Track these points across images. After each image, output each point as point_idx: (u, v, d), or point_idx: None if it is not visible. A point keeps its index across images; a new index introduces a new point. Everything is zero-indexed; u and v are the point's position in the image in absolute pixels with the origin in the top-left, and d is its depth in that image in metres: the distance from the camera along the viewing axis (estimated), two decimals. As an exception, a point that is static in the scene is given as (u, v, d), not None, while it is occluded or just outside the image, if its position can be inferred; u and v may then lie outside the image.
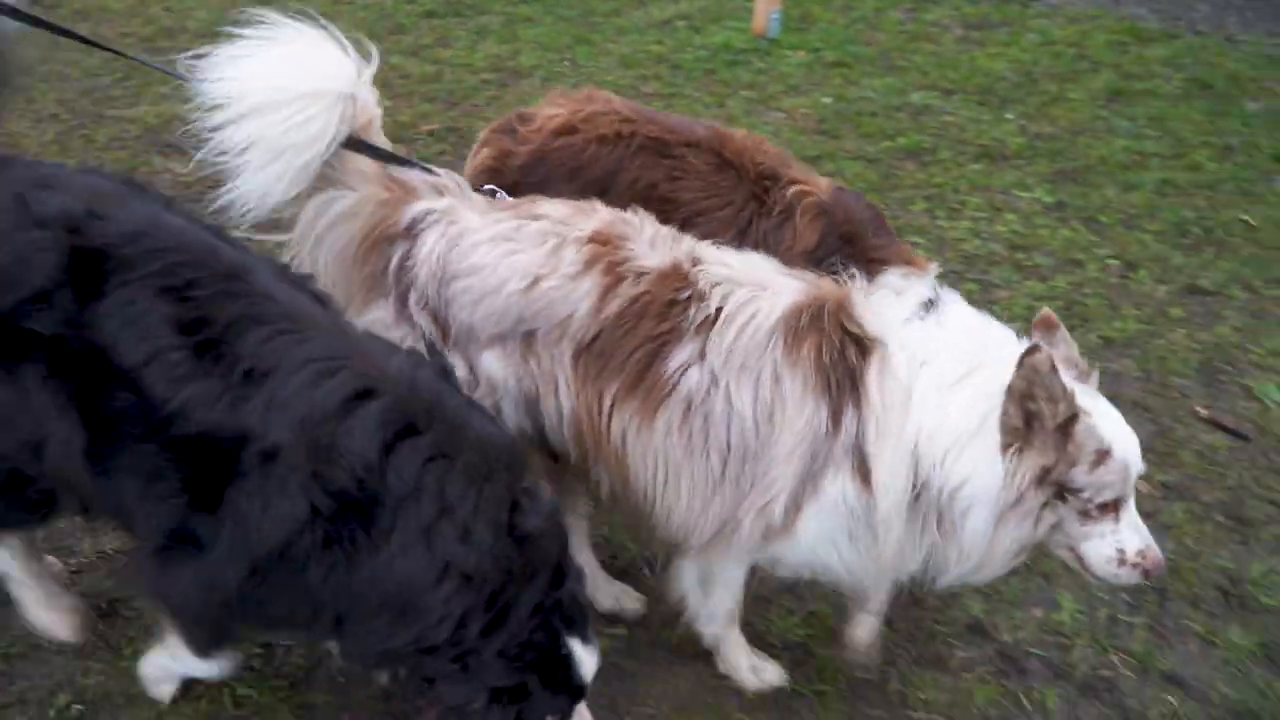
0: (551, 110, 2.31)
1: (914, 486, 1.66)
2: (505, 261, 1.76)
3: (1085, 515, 1.65)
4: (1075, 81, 5.04)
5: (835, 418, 1.67)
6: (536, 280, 1.74)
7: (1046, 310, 1.81)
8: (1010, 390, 1.58)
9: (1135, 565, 1.67)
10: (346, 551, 1.45)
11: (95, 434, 1.51)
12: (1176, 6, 6.14)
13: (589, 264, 1.74)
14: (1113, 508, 1.65)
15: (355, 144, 1.91)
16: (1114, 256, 3.59)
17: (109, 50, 2.54)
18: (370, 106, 1.93)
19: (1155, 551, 1.68)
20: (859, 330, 1.70)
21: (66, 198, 1.55)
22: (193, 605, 1.58)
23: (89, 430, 1.51)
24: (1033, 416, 1.58)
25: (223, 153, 1.81)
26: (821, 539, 1.74)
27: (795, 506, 1.71)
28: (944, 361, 1.69)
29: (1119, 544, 1.66)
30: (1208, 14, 6.14)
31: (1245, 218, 3.87)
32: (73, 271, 1.48)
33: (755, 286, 1.74)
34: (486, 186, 2.07)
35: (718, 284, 1.72)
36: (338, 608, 1.51)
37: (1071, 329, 1.93)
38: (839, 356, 1.67)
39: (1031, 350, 1.57)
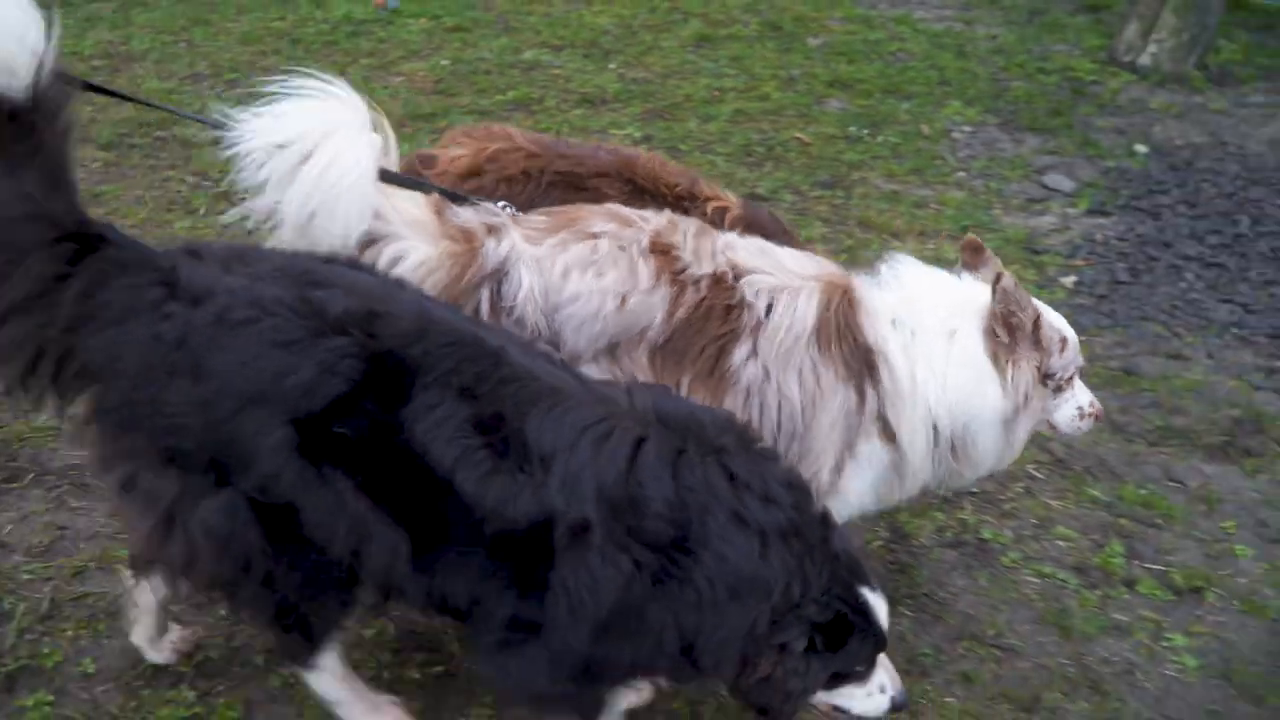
0: (454, 152, 2.29)
1: (934, 436, 2.00)
2: (597, 286, 1.92)
3: (1059, 391, 2.05)
4: (669, 31, 5.66)
5: (860, 396, 1.97)
6: (624, 299, 1.93)
7: (971, 235, 2.20)
8: (994, 316, 1.94)
9: (1090, 415, 2.08)
10: (678, 579, 1.52)
11: (418, 538, 1.54)
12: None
13: (658, 276, 1.94)
14: (1071, 379, 2.07)
15: (395, 178, 1.97)
16: (690, 176, 4.19)
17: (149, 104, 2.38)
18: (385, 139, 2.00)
19: (1098, 403, 2.11)
20: (863, 325, 2.00)
21: (348, 299, 1.55)
22: (547, 683, 1.62)
23: (411, 535, 1.54)
24: (1014, 329, 1.94)
25: (264, 202, 1.85)
26: (862, 492, 2.04)
27: (838, 470, 2.00)
28: (927, 326, 2.00)
29: (1078, 404, 2.08)
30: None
31: (800, 135, 4.60)
32: (375, 377, 1.49)
33: (789, 289, 1.99)
34: (501, 203, 2.09)
35: (759, 289, 1.98)
36: (685, 629, 1.55)
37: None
38: (854, 348, 1.98)
39: (998, 278, 1.94)
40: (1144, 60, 5.42)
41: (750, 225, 2.25)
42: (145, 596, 1.83)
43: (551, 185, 2.24)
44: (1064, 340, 2.02)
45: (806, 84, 5.18)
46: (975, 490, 2.52)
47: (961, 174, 4.34)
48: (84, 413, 1.51)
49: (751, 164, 4.32)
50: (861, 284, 2.05)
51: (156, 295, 1.47)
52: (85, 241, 1.46)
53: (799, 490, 1.62)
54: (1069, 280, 3.51)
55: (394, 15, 5.54)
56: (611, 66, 5.18)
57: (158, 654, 1.91)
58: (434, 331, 1.55)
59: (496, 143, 2.29)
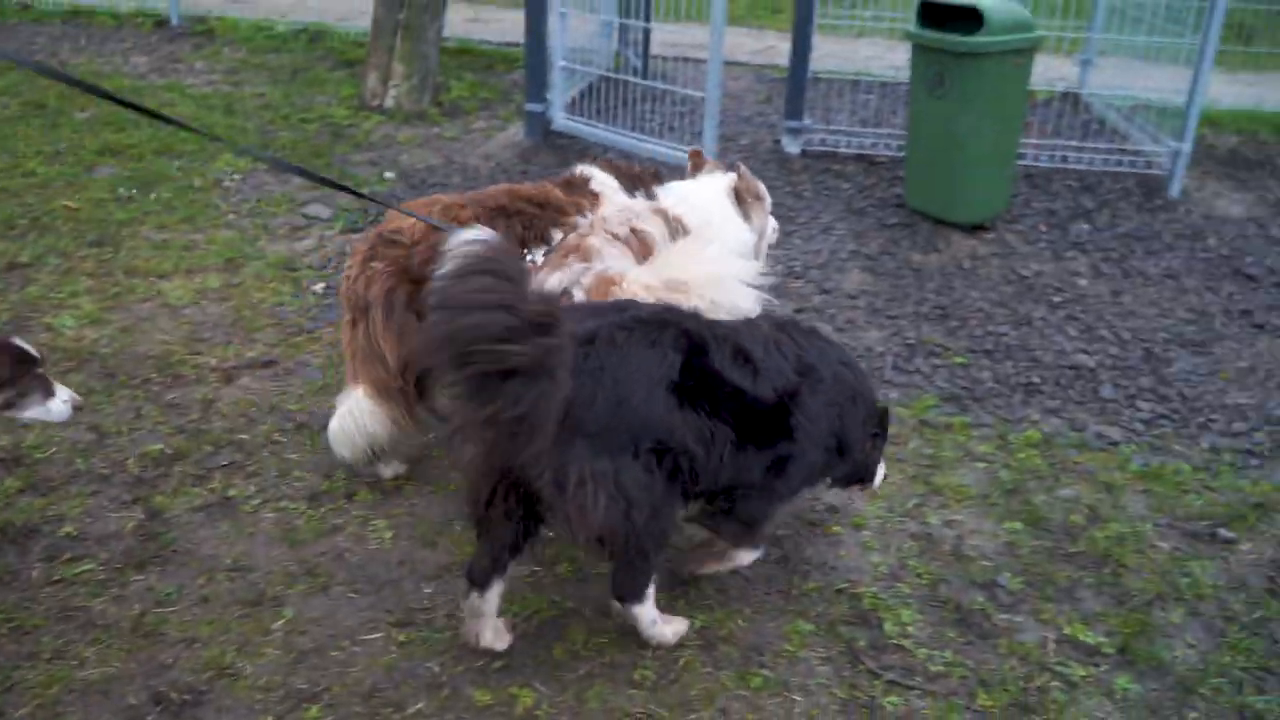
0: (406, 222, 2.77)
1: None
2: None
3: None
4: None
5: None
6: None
7: (694, 149, 3.26)
8: (737, 193, 2.95)
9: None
10: (838, 401, 2.43)
11: (731, 436, 2.22)
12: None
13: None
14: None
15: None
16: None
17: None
18: None
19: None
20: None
21: (648, 309, 2.28)
22: (765, 513, 2.45)
23: (732, 433, 2.23)
24: (744, 198, 2.93)
25: None
26: None
27: None
28: (699, 203, 2.90)
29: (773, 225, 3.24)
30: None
31: (68, 203, 4.73)
32: (690, 347, 2.20)
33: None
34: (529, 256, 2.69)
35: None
36: (846, 429, 2.46)
37: None
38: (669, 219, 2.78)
39: (732, 167, 3.03)
40: (389, 103, 6.36)
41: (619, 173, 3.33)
42: (489, 604, 2.29)
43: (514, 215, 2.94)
44: (762, 194, 3.07)
45: (75, 155, 5.30)
46: (226, 463, 2.99)
47: (232, 216, 4.81)
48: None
49: (15, 236, 4.39)
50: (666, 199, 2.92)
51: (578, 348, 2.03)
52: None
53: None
54: (318, 287, 4.14)
55: None
56: None
57: (503, 642, 2.37)
58: (695, 317, 2.30)
59: (439, 203, 2.87)
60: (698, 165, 3.19)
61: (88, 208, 4.74)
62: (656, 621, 2.39)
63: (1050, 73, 7.51)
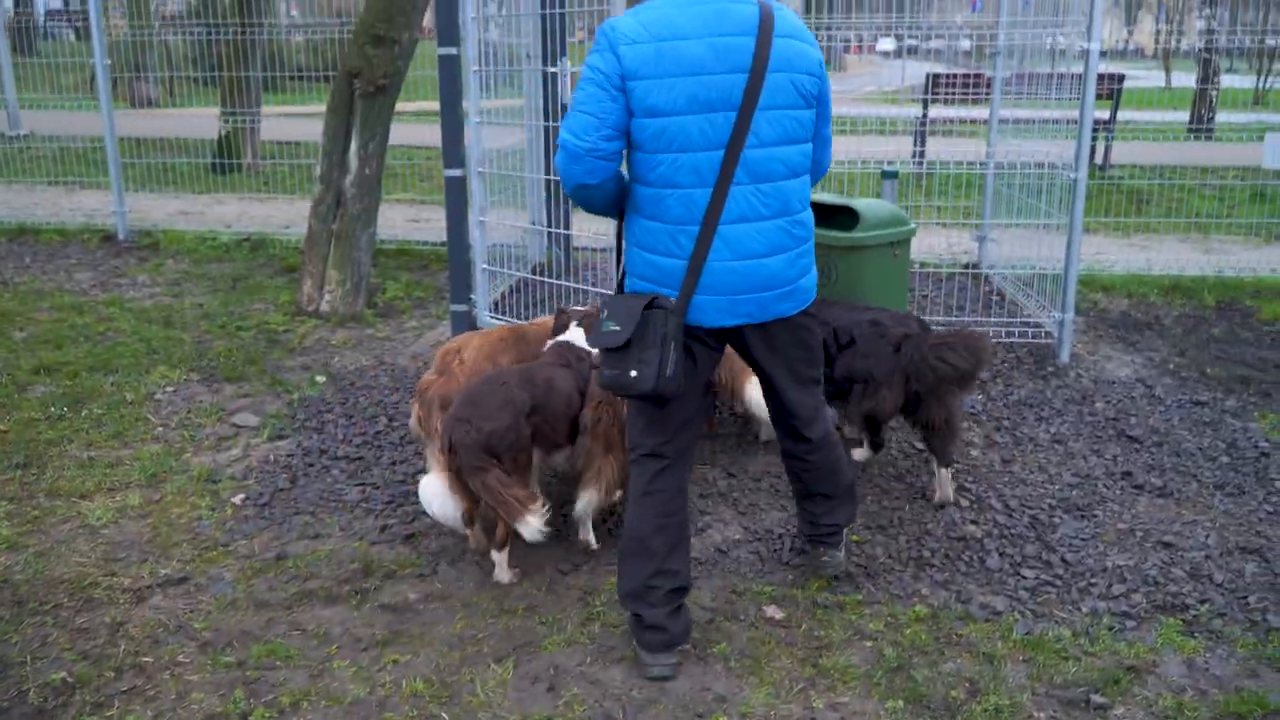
0: (467, 351, 4.10)
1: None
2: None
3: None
4: None
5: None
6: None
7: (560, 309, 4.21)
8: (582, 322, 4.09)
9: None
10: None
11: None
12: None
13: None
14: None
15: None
16: None
17: None
18: None
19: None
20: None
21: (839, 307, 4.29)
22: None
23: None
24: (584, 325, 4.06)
25: None
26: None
27: None
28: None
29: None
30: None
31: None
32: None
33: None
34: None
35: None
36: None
37: None
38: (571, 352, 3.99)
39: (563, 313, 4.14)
40: (324, 307, 6.65)
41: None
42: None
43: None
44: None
45: (9, 375, 5.48)
46: (126, 688, 3.05)
47: (161, 429, 4.97)
48: None
49: (-61, 462, 4.49)
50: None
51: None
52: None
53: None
54: (238, 499, 4.26)
55: None
56: None
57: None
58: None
59: (477, 336, 4.32)
60: (563, 319, 4.23)
61: (16, 429, 4.88)
62: None
63: (956, 247, 7.99)
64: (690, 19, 2.72)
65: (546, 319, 4.34)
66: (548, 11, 6.35)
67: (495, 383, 3.56)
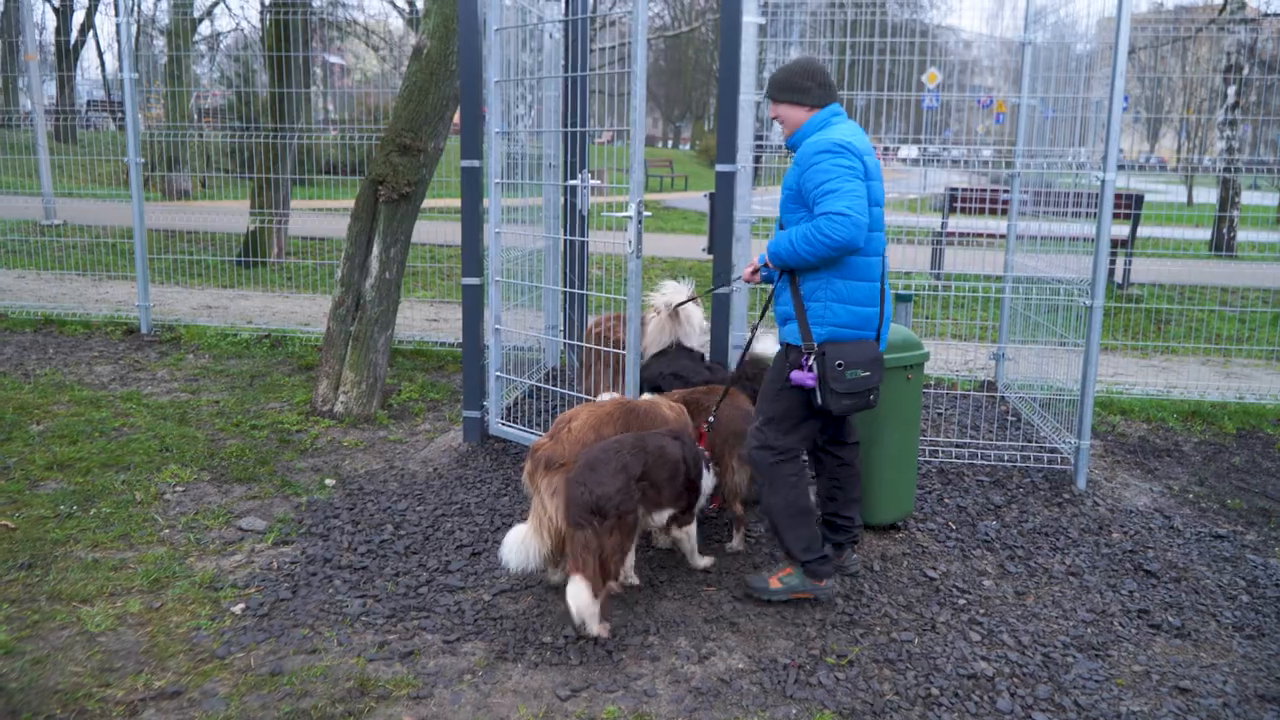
0: (576, 421, 4.35)
1: None
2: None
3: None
4: None
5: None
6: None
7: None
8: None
9: None
10: None
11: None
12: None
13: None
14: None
15: None
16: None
17: None
18: None
19: None
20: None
21: None
22: None
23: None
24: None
25: None
26: None
27: None
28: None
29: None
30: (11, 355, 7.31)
31: (5, 522, 4.88)
32: None
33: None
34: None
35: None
36: None
37: None
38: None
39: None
40: (338, 408, 6.67)
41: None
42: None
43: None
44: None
45: (22, 470, 5.50)
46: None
47: (167, 531, 4.96)
48: None
49: (-56, 560, 4.48)
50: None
51: None
52: None
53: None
54: (238, 608, 4.22)
55: None
56: None
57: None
58: None
59: (585, 409, 4.51)
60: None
61: (25, 526, 4.88)
62: None
63: (973, 363, 7.98)
64: (865, 138, 4.00)
65: (650, 397, 4.87)
66: (568, 130, 6.50)
67: (612, 450, 3.98)
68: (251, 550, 4.82)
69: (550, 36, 6.84)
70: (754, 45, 5.68)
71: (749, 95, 5.56)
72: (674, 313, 5.63)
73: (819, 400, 3.93)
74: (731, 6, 5.29)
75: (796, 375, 3.95)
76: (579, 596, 3.78)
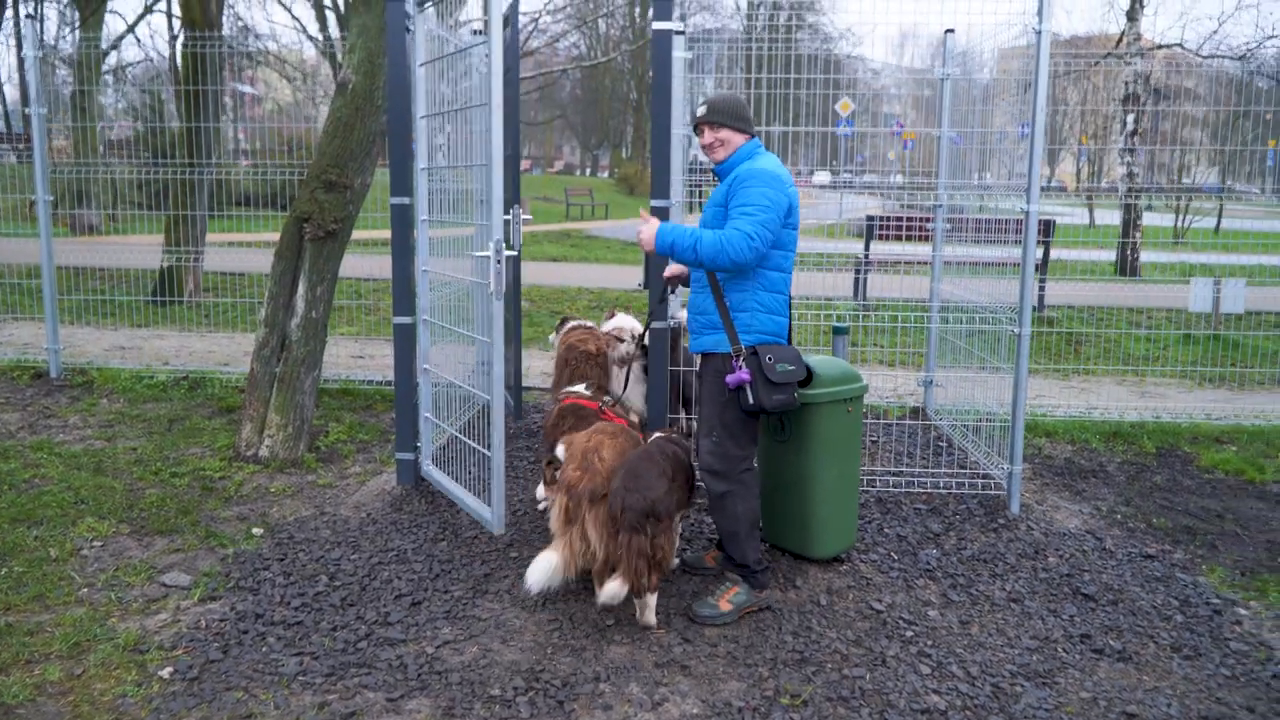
0: (604, 450, 4.34)
1: None
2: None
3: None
4: None
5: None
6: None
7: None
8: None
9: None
10: None
11: None
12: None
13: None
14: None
15: None
16: None
17: None
18: None
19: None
20: None
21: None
22: None
23: None
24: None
25: None
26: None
27: None
28: None
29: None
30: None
31: (-92, 588, 4.57)
32: None
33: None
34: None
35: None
36: None
37: None
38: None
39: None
40: (263, 452, 6.45)
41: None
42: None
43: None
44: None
45: (-74, 529, 5.17)
46: None
47: (86, 590, 4.71)
48: None
49: None
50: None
51: None
52: None
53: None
54: (165, 672, 4.01)
55: None
56: None
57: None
58: None
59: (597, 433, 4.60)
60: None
61: (-69, 590, 4.58)
62: None
63: (902, 388, 8.08)
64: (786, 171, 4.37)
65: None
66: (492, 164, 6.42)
67: (647, 459, 4.24)
68: (177, 608, 4.60)
69: (479, 71, 6.78)
70: (683, 81, 5.70)
71: (679, 129, 5.56)
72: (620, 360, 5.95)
73: (750, 399, 4.23)
74: (663, 42, 5.30)
75: (733, 377, 4.24)
76: (621, 593, 4.12)
